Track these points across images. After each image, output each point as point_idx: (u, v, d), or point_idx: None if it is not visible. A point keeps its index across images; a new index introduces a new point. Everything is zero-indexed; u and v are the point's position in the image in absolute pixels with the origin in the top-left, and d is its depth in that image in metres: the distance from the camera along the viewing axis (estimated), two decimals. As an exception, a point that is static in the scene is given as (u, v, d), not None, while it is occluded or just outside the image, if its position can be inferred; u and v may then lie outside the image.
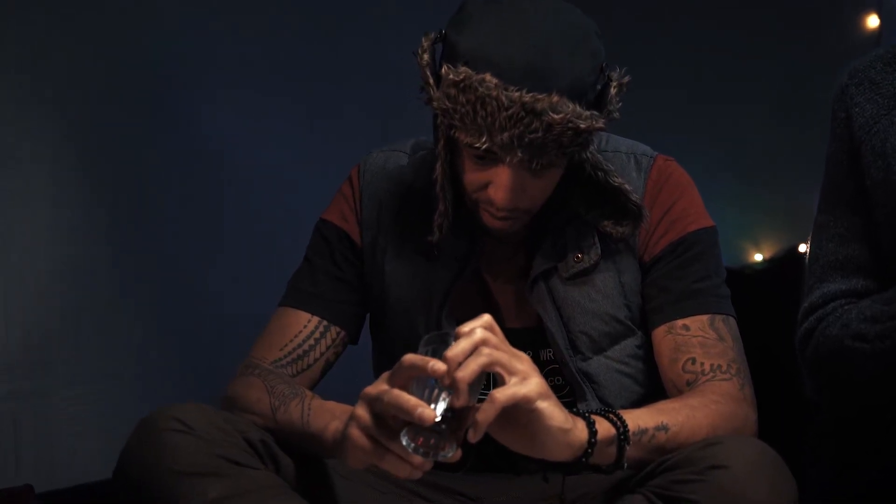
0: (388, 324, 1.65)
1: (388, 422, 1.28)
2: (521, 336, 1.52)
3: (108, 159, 2.64)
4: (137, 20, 2.68)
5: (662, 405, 1.45)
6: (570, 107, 1.41)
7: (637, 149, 1.65)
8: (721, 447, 1.32)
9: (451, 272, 1.60)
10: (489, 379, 1.31)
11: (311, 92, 2.98)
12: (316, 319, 1.63)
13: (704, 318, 1.56)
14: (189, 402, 1.39)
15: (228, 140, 2.83)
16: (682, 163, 1.67)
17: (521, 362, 1.29)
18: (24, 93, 2.50)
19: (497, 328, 1.30)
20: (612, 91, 1.47)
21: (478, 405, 1.26)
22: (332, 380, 1.64)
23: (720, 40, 3.12)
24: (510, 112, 1.40)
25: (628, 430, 1.37)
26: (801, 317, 1.52)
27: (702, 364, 1.53)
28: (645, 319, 1.61)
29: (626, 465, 1.38)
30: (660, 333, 1.58)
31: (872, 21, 2.96)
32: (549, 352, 1.60)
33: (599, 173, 1.55)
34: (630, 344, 1.61)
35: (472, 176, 1.51)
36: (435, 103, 1.45)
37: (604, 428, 1.35)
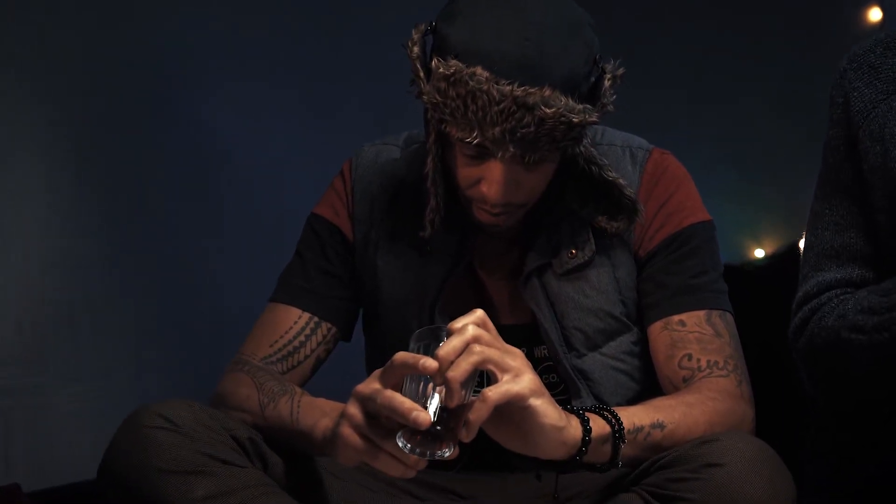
0: (380, 319, 1.64)
1: (381, 421, 1.26)
2: (515, 332, 1.50)
3: (108, 157, 2.64)
4: (137, 20, 2.68)
5: (658, 402, 1.43)
6: (563, 100, 1.39)
7: (632, 142, 1.63)
8: (717, 445, 1.30)
9: (444, 267, 1.58)
10: (482, 374, 1.29)
11: (312, 91, 2.98)
12: (307, 315, 1.61)
13: (701, 313, 1.54)
14: (176, 399, 1.38)
15: (228, 139, 2.83)
16: (683, 159, 1.65)
17: (514, 359, 1.27)
18: (23, 91, 2.51)
19: (490, 324, 1.28)
20: (606, 83, 1.46)
21: (473, 399, 1.23)
22: (324, 376, 1.63)
23: (720, 39, 3.11)
24: (501, 106, 1.38)
25: (623, 428, 1.35)
26: (795, 306, 1.50)
27: (698, 360, 1.51)
28: (640, 315, 1.59)
29: (620, 463, 1.36)
30: (656, 329, 1.56)
31: (874, 14, 2.94)
32: (544, 348, 1.58)
33: (593, 168, 1.53)
34: (625, 340, 1.59)
35: (464, 171, 1.49)
36: (425, 97, 1.43)
37: (598, 425, 1.33)
